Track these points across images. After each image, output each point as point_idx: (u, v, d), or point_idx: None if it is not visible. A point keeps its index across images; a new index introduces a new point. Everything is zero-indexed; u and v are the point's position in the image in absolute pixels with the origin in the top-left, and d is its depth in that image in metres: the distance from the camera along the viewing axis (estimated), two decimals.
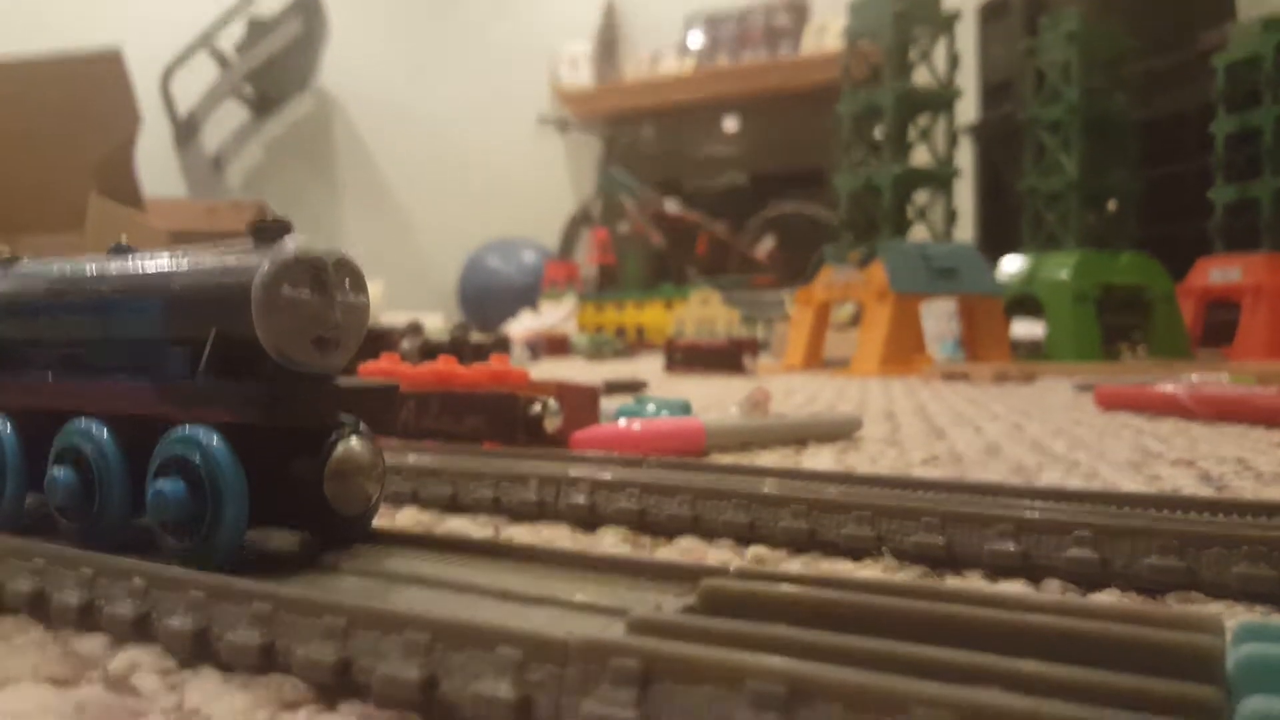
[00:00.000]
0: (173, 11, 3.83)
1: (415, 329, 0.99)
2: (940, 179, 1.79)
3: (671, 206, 3.67)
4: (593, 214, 3.85)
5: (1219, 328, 1.74)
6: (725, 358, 1.61)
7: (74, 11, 3.71)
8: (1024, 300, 1.73)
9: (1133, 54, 1.81)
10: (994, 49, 2.50)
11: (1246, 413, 0.75)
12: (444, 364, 0.63)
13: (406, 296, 3.66)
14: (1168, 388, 0.81)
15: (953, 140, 1.79)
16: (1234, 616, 0.28)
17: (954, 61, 1.78)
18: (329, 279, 0.30)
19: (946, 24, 1.78)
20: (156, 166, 3.24)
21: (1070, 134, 1.74)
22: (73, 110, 1.87)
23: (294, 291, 0.29)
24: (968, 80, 2.27)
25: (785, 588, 0.23)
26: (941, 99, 1.78)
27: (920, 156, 1.82)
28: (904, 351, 1.54)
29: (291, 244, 0.30)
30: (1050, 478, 0.53)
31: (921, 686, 0.17)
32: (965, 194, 2.35)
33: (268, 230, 0.31)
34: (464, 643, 0.21)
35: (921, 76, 1.78)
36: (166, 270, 0.32)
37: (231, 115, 3.99)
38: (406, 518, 0.45)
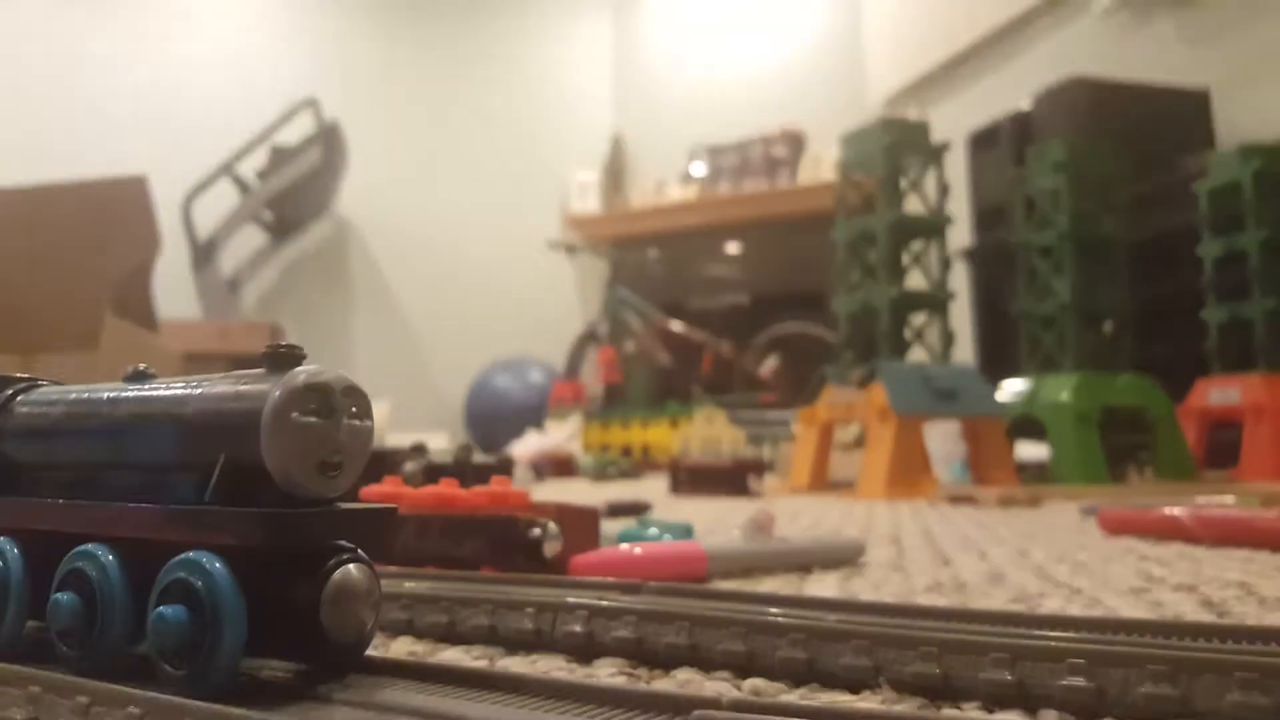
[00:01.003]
0: (197, 139, 3.98)
1: (419, 450, 0.99)
2: (935, 302, 1.82)
3: (676, 326, 3.72)
4: (599, 334, 3.89)
5: (1223, 448, 1.74)
6: (730, 479, 1.61)
7: (104, 140, 3.85)
8: (1026, 422, 1.73)
9: (1119, 180, 1.86)
10: (985, 176, 2.58)
11: (1250, 536, 0.74)
12: (445, 486, 0.63)
13: (413, 416, 3.68)
14: (1171, 511, 0.81)
15: (946, 265, 1.83)
16: None
17: (944, 190, 1.83)
18: (336, 404, 0.31)
19: (936, 155, 1.84)
20: (173, 288, 3.30)
21: (1062, 258, 1.77)
22: (95, 233, 1.92)
23: (302, 418, 0.30)
24: (960, 205, 2.34)
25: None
26: (933, 225, 1.82)
27: (916, 280, 1.85)
28: (909, 473, 1.53)
29: (302, 372, 0.31)
30: (1052, 605, 0.53)
31: None
32: (963, 316, 2.38)
33: (281, 358, 0.32)
34: None
35: (914, 204, 1.83)
36: (181, 397, 0.33)
37: (250, 239, 4.09)
38: (401, 647, 0.44)
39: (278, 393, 0.31)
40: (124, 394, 0.35)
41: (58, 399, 0.38)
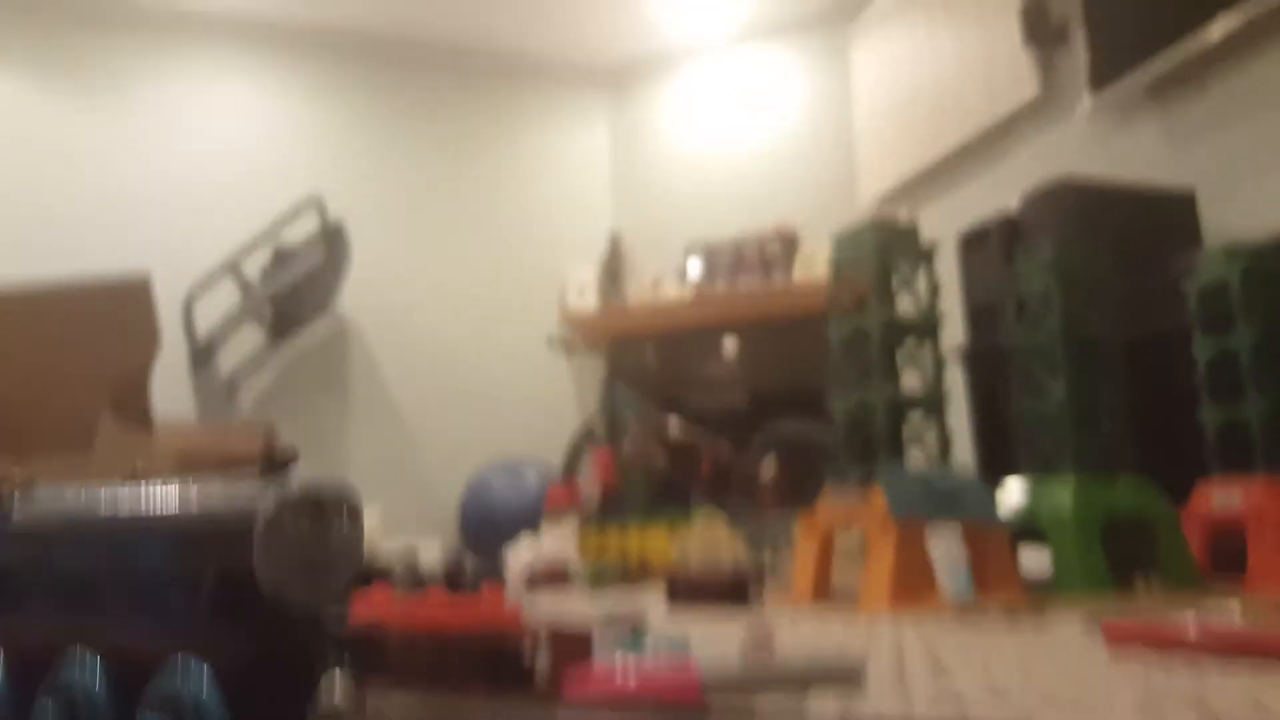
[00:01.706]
0: (201, 237, 4.03)
1: (410, 558, 0.98)
2: (931, 403, 1.82)
3: (674, 426, 3.71)
4: (596, 434, 3.88)
5: (1228, 554, 1.71)
6: (730, 590, 1.58)
7: (108, 237, 3.91)
8: (1028, 527, 1.71)
9: (1109, 280, 1.87)
10: (976, 276, 2.60)
11: (1257, 650, 0.73)
12: (434, 598, 0.62)
13: (405, 521, 3.64)
14: (1177, 624, 0.79)
15: (940, 365, 1.84)
16: None
17: (935, 290, 1.85)
18: (328, 512, 0.31)
19: (926, 255, 1.86)
20: (170, 387, 3.30)
21: (1056, 358, 1.78)
22: (96, 333, 1.92)
23: (294, 526, 0.30)
24: (953, 305, 2.35)
25: None
26: (926, 325, 1.83)
27: (911, 380, 1.85)
28: (912, 583, 1.50)
29: (296, 479, 0.31)
30: None
31: None
32: (960, 416, 2.38)
33: (276, 464, 0.32)
34: None
35: (906, 304, 1.85)
36: (176, 505, 0.33)
37: (249, 338, 4.10)
38: None
39: (271, 503, 0.30)
40: (119, 503, 0.35)
41: (53, 507, 0.37)
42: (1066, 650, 0.84)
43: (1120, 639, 0.83)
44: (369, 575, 0.91)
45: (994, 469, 2.08)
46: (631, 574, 2.58)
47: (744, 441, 3.66)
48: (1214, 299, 1.83)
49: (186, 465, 2.45)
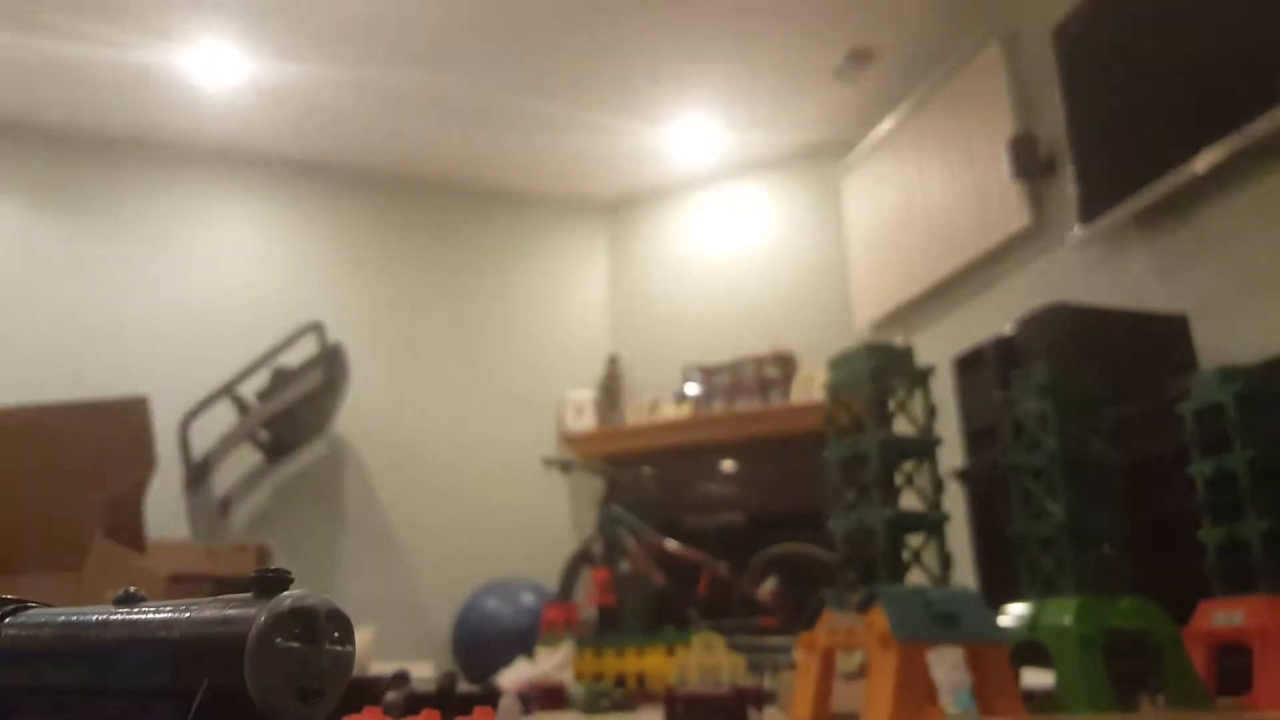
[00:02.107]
0: (199, 361, 4.07)
1: (401, 678, 0.97)
2: (930, 523, 1.81)
3: (671, 545, 3.68)
4: (593, 553, 3.84)
5: (1233, 672, 1.68)
6: (729, 711, 1.55)
7: (107, 361, 3.95)
8: (1030, 647, 1.69)
9: (1104, 402, 1.90)
10: (972, 398, 2.63)
11: None
12: (426, 718, 0.61)
13: (399, 643, 3.56)
14: None
15: (939, 485, 1.84)
16: None
17: (931, 412, 1.87)
18: (320, 630, 0.31)
19: (921, 378, 1.89)
20: (163, 507, 3.28)
21: (1054, 479, 1.79)
22: (91, 454, 1.93)
23: (286, 643, 0.30)
24: (950, 427, 2.37)
25: None
26: (923, 446, 1.84)
27: (911, 500, 1.85)
28: (914, 704, 1.48)
29: (288, 597, 0.31)
30: None
31: None
32: (961, 537, 2.36)
33: (268, 583, 0.32)
34: None
35: (903, 425, 1.86)
36: (168, 621, 0.33)
37: (244, 459, 4.10)
38: None
39: (263, 617, 0.31)
40: (111, 617, 0.35)
41: (45, 622, 0.38)
42: None
43: None
44: (360, 696, 0.89)
45: (995, 589, 2.06)
46: (629, 697, 2.51)
47: (742, 561, 3.62)
48: (1209, 421, 1.85)
49: (179, 585, 2.41)
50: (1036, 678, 1.73)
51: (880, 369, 1.85)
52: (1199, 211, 2.69)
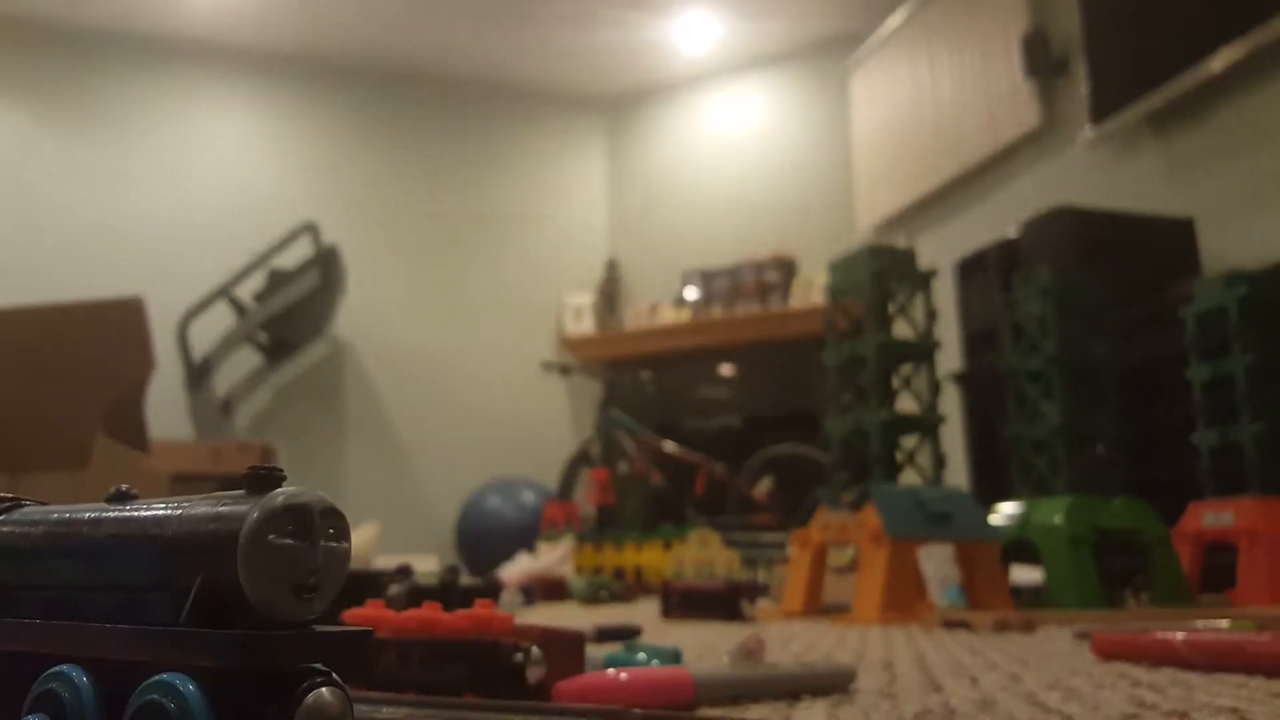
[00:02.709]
0: (196, 262, 4.05)
1: (404, 573, 0.98)
2: (926, 426, 1.83)
3: (669, 446, 3.72)
4: (592, 455, 3.89)
5: (1218, 571, 1.72)
6: (723, 602, 1.59)
7: (102, 263, 3.93)
8: (1021, 546, 1.72)
9: (1106, 306, 1.89)
10: (973, 302, 2.62)
11: (1244, 661, 0.73)
12: (427, 610, 0.62)
13: (402, 539, 3.64)
14: (1165, 636, 0.80)
15: (935, 388, 1.85)
16: None
17: (931, 315, 1.86)
18: (314, 526, 0.31)
19: (923, 281, 1.88)
20: (166, 409, 3.31)
21: (1051, 383, 1.79)
22: (90, 354, 1.93)
23: (279, 539, 0.30)
24: (950, 330, 2.37)
25: None
26: (922, 349, 1.85)
27: (907, 403, 1.87)
28: (904, 598, 1.51)
29: (281, 493, 0.31)
30: None
31: None
32: (956, 439, 2.38)
33: (261, 479, 0.32)
34: None
35: (903, 328, 1.86)
36: (161, 518, 0.33)
37: (245, 361, 4.11)
38: None
39: (255, 514, 0.31)
40: (104, 514, 0.36)
41: (39, 519, 0.38)
42: (1056, 662, 0.84)
43: (1110, 652, 0.84)
44: (363, 589, 0.91)
45: (988, 491, 2.09)
46: (627, 589, 2.58)
47: (739, 462, 3.67)
48: (1211, 325, 1.84)
49: (182, 485, 2.45)
50: (1026, 575, 1.77)
51: (882, 272, 1.84)
52: (1213, 113, 2.64)
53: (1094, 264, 2.05)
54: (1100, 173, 3.03)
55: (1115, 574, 1.67)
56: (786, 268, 4.26)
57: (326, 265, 4.05)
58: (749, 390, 4.17)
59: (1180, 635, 0.77)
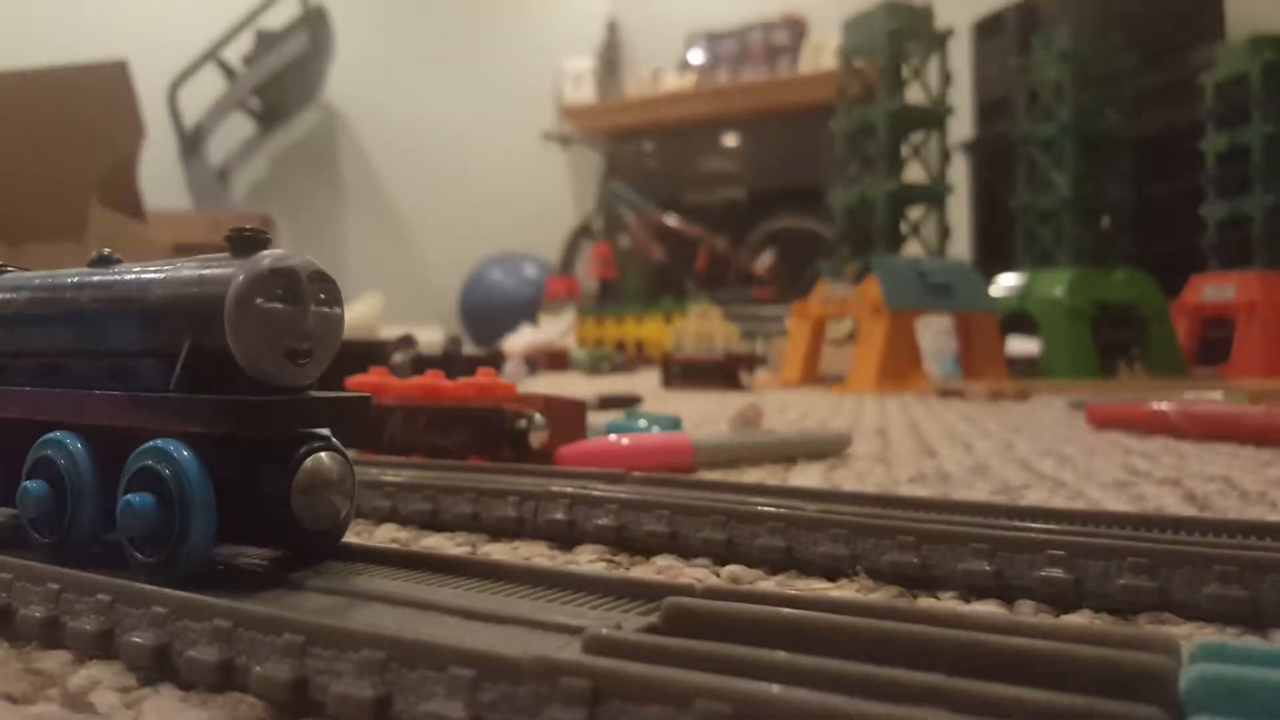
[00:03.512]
0: (180, 25, 3.86)
1: (407, 342, 0.99)
2: (933, 196, 1.79)
3: (672, 220, 3.68)
4: (594, 228, 3.86)
5: (1214, 344, 1.74)
6: (722, 373, 1.62)
7: (81, 26, 3.73)
8: (1019, 317, 1.73)
9: (1125, 72, 1.81)
10: (988, 67, 2.51)
11: (1236, 431, 0.74)
12: (431, 377, 0.63)
13: (407, 310, 3.67)
14: (1158, 406, 0.81)
15: (945, 157, 1.80)
16: (1206, 638, 0.28)
17: (947, 79, 1.78)
18: (303, 290, 0.30)
19: (939, 41, 1.78)
20: (162, 178, 3.24)
21: (1063, 152, 1.74)
22: (77, 121, 1.87)
23: (267, 303, 0.29)
24: (963, 97, 2.28)
25: (748, 607, 0.23)
26: (934, 116, 1.78)
27: (914, 173, 1.82)
28: (900, 368, 1.54)
29: (267, 256, 0.30)
30: (1035, 497, 0.53)
31: (864, 706, 0.17)
32: (961, 210, 2.35)
33: (245, 242, 0.31)
34: (418, 662, 0.21)
35: (915, 94, 1.79)
36: (144, 282, 0.32)
37: (238, 128, 4.00)
38: (384, 534, 0.45)
39: (241, 277, 0.29)
40: (87, 279, 0.34)
41: (21, 285, 0.36)
42: (1050, 431, 0.86)
43: (1103, 421, 0.85)
44: (367, 358, 0.91)
45: (991, 262, 2.08)
46: (628, 360, 2.63)
47: (742, 235, 3.65)
48: (1231, 93, 1.77)
49: (182, 254, 2.44)
50: (1023, 345, 1.80)
51: (898, 31, 1.75)
52: None
53: (1115, 26, 1.94)
54: None
55: (1112, 346, 1.69)
56: (797, 28, 4.05)
57: (314, 26, 3.87)
58: (754, 162, 4.07)
59: (1174, 406, 0.78)
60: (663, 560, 0.39)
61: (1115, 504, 0.50)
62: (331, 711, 0.21)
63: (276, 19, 3.87)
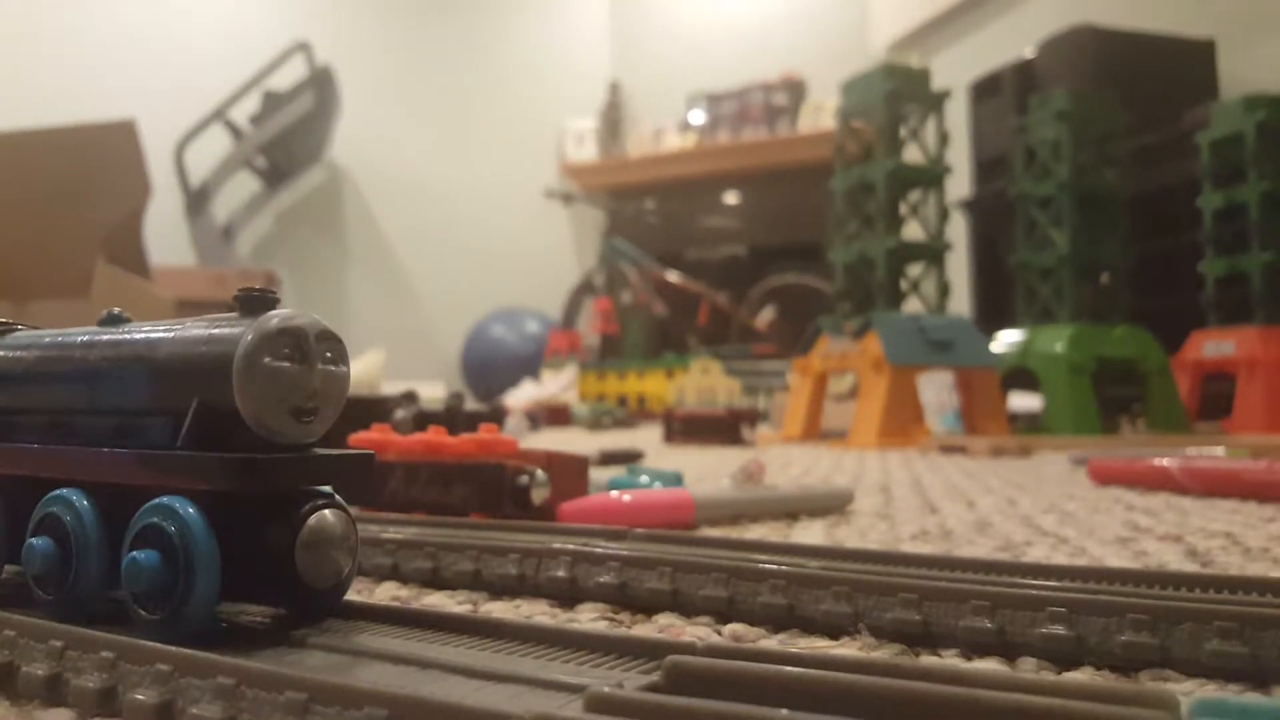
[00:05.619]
0: (189, 85, 3.92)
1: (409, 398, 0.99)
2: (932, 253, 1.81)
3: (673, 276, 3.71)
4: (596, 284, 3.88)
5: (1216, 400, 1.74)
6: (723, 428, 1.61)
7: (91, 85, 3.80)
8: (1020, 373, 1.73)
9: (1121, 131, 1.83)
10: (986, 126, 2.55)
11: (1238, 487, 0.74)
12: (433, 434, 0.63)
13: (409, 365, 3.68)
14: (1160, 462, 0.81)
15: (944, 215, 1.82)
16: (1204, 694, 0.28)
17: (944, 139, 1.81)
18: (310, 349, 0.31)
19: (936, 102, 1.81)
20: (167, 236, 3.28)
21: (1061, 209, 1.76)
22: (85, 179, 1.90)
23: (275, 362, 0.29)
24: (961, 156, 2.31)
25: (751, 666, 0.23)
26: (932, 175, 1.80)
27: (913, 231, 1.84)
28: (902, 423, 1.54)
29: (275, 316, 0.31)
30: (1036, 554, 0.53)
31: None
32: (960, 268, 2.37)
33: (253, 301, 0.31)
34: (420, 719, 0.21)
35: (913, 154, 1.81)
36: (154, 341, 0.33)
37: (243, 186, 4.05)
38: (385, 592, 0.44)
39: (250, 336, 0.30)
40: (96, 338, 0.35)
41: (31, 343, 0.37)
42: (1052, 487, 0.86)
43: (1105, 477, 0.85)
44: (370, 414, 0.92)
45: (992, 318, 2.09)
46: (630, 415, 2.62)
47: (743, 291, 3.67)
48: (1227, 151, 1.79)
49: (187, 311, 2.46)
50: (1024, 401, 1.80)
51: (895, 91, 1.78)
52: None
53: (1111, 86, 1.97)
54: None
55: (1113, 402, 1.69)
56: (795, 90, 4.12)
57: (321, 86, 3.93)
58: (754, 219, 4.11)
59: (1176, 462, 0.78)
60: (664, 618, 0.39)
61: (1117, 560, 0.50)
62: None
63: (284, 80, 3.93)
